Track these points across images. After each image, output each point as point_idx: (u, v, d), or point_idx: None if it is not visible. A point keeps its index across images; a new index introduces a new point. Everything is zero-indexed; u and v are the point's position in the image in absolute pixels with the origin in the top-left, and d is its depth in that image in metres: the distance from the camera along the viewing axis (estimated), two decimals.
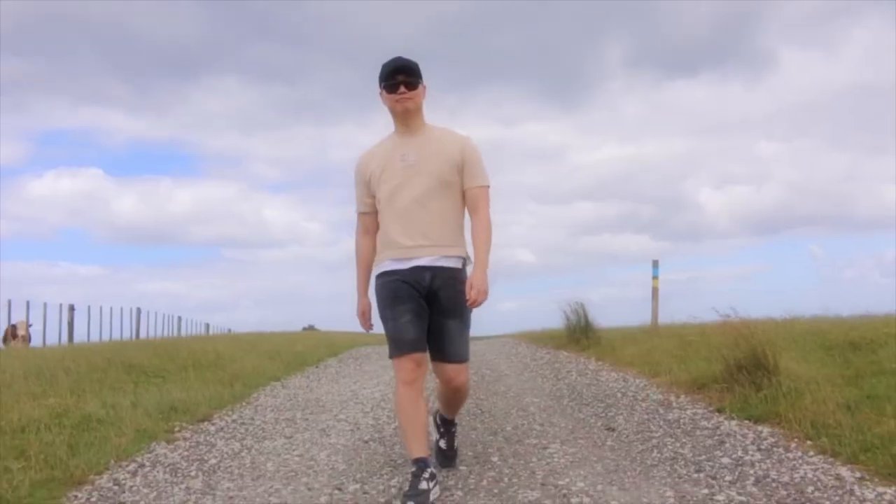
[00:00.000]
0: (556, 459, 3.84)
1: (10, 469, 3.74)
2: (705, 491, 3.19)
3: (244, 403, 6.10)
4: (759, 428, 4.24)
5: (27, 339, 18.56)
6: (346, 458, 4.08)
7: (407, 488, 3.20)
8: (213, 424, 5.22)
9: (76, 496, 3.49)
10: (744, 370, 5.09)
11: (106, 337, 18.98)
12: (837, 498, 3.01)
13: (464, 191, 3.45)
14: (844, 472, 3.32)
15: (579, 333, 9.96)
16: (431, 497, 3.16)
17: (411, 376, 3.30)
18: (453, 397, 3.62)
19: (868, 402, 4.27)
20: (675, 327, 9.38)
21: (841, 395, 4.45)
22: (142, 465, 4.05)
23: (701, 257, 67.72)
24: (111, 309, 21.72)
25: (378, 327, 3.53)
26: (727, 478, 3.36)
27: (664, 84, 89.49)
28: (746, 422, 4.43)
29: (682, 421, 4.62)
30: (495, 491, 3.34)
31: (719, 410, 4.79)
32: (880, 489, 3.07)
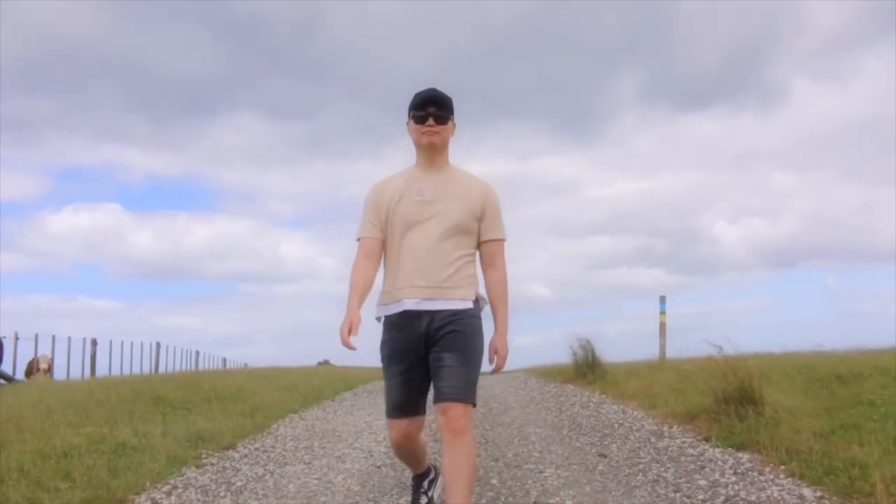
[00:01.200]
0: (549, 482, 4.26)
1: (59, 489, 4.20)
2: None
3: (265, 433, 6.55)
4: (740, 454, 4.65)
5: (49, 371, 19.12)
6: (360, 481, 4.52)
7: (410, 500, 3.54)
8: (237, 452, 5.67)
9: None
10: (731, 402, 5.50)
11: (126, 370, 19.55)
12: None
13: (480, 242, 3.33)
14: (807, 492, 3.73)
15: (586, 368, 10.34)
16: (435, 496, 3.53)
17: (399, 441, 3.32)
18: (454, 453, 3.04)
19: (840, 431, 4.66)
20: (679, 361, 9.73)
21: (818, 424, 4.84)
22: (175, 487, 4.50)
23: (716, 290, 67.66)
24: (132, 343, 22.31)
25: (359, 349, 3.27)
26: (700, 496, 3.78)
27: (677, 118, 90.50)
28: (729, 449, 4.83)
29: (670, 449, 5.02)
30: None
31: (706, 439, 5.19)
32: None
